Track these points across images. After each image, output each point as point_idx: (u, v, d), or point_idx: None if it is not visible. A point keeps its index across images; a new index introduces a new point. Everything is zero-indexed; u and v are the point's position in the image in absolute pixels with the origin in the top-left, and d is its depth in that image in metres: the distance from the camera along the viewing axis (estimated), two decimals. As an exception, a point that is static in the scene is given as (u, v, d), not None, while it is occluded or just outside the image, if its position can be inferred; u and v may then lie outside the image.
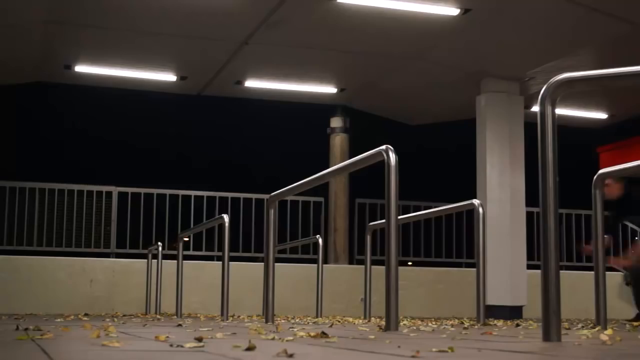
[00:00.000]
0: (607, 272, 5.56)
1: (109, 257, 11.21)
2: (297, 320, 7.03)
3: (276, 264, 6.64)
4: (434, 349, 2.67)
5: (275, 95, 12.15)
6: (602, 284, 5.21)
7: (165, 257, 10.14)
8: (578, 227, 12.84)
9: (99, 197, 11.46)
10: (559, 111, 4.07)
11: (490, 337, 3.81)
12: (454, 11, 8.62)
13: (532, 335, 3.94)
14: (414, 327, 5.04)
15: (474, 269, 6.84)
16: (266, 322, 6.09)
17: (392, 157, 4.61)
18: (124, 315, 8.60)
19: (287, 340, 3.14)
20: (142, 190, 11.64)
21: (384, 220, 4.71)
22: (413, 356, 2.38)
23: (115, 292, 10.70)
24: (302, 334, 3.70)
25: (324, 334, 3.48)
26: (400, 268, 6.57)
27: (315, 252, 9.96)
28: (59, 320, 6.35)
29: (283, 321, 6.71)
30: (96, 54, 10.34)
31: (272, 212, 6.38)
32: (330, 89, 11.62)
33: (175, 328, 4.65)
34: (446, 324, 6.09)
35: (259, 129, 21.82)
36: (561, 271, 3.24)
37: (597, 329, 4.91)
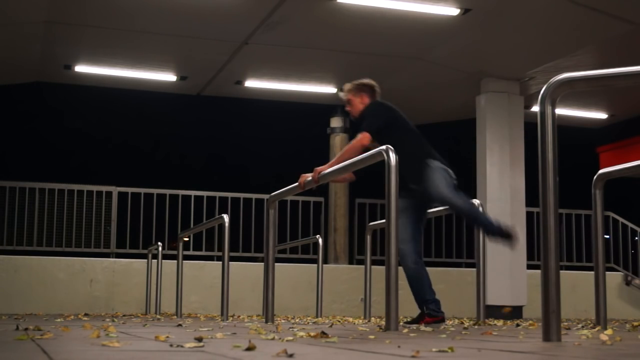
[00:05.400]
0: (607, 272, 5.56)
1: (109, 257, 11.21)
2: (297, 320, 7.03)
3: (276, 264, 6.64)
4: (434, 349, 2.67)
5: (275, 95, 12.14)
6: (602, 284, 5.21)
7: (165, 257, 10.14)
8: (578, 227, 12.84)
9: (99, 197, 11.45)
10: (559, 111, 4.07)
11: (490, 337, 3.81)
12: (454, 11, 8.62)
13: (532, 335, 3.94)
14: (414, 327, 5.04)
15: (474, 269, 6.85)
16: (266, 322, 6.09)
17: (392, 157, 4.61)
18: (124, 315, 8.61)
19: (287, 340, 3.15)
20: (142, 190, 11.64)
21: (384, 220, 4.71)
22: (413, 356, 2.38)
23: (115, 292, 10.70)
24: (302, 334, 3.70)
25: (324, 334, 3.48)
26: (400, 268, 6.57)
27: (315, 252, 9.95)
28: (59, 320, 6.35)
29: (283, 321, 6.71)
30: (96, 54, 10.34)
31: (272, 212, 6.38)
32: (330, 89, 11.62)
33: (175, 328, 4.65)
34: (446, 324, 6.09)
35: (259, 129, 21.83)
36: (561, 271, 3.24)
37: (597, 329, 4.91)
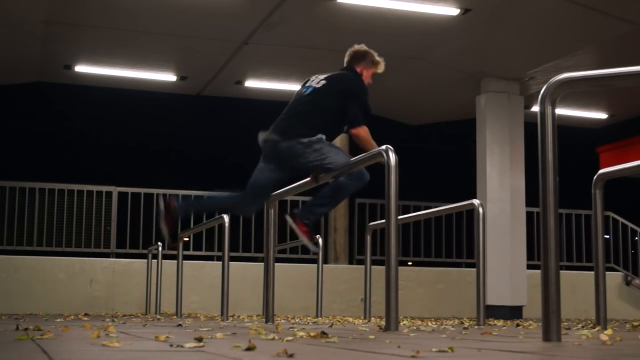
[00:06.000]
0: (607, 272, 5.56)
1: (109, 257, 11.21)
2: (297, 320, 7.03)
3: (276, 264, 6.64)
4: (434, 349, 2.67)
5: (275, 95, 12.13)
6: (602, 284, 5.21)
7: (165, 257, 10.14)
8: (578, 227, 12.84)
9: (99, 197, 11.45)
10: (559, 111, 4.07)
11: (490, 337, 3.81)
12: (454, 11, 8.62)
13: (532, 335, 3.94)
14: (414, 327, 5.04)
15: (474, 269, 6.84)
16: (266, 322, 6.09)
17: (392, 157, 4.61)
18: (124, 315, 8.61)
19: (287, 340, 3.14)
20: (142, 190, 11.64)
21: (384, 220, 4.71)
22: (413, 356, 2.38)
23: (115, 292, 10.70)
24: (302, 334, 3.70)
25: (324, 334, 3.48)
26: (400, 268, 6.57)
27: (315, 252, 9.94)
28: (59, 320, 6.35)
29: (283, 321, 6.71)
30: (96, 54, 10.34)
31: (272, 212, 6.37)
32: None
33: (175, 328, 4.65)
34: (446, 324, 6.09)
35: (259, 129, 21.78)
36: (561, 271, 3.23)
37: (597, 329, 4.91)
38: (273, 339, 3.26)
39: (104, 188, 11.52)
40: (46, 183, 11.36)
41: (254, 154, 6.20)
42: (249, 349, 2.60)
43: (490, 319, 8.07)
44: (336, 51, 10.15)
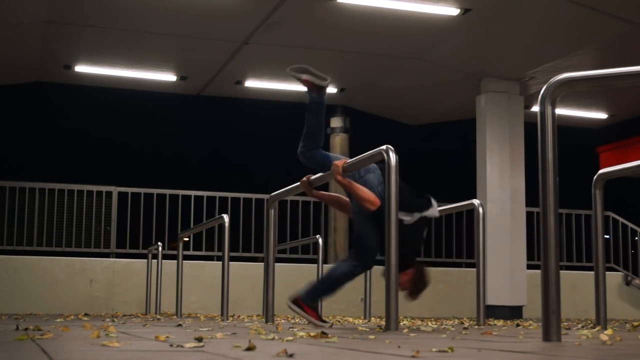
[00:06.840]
0: (607, 272, 5.57)
1: (109, 257, 11.21)
2: (297, 320, 7.03)
3: (276, 264, 6.64)
4: (434, 349, 2.67)
5: (275, 95, 12.14)
6: (602, 284, 5.22)
7: (165, 257, 10.14)
8: (578, 227, 12.84)
9: (99, 197, 11.45)
10: (559, 111, 4.07)
11: (490, 337, 3.81)
12: (454, 11, 8.62)
13: (532, 335, 3.94)
14: (414, 327, 5.04)
15: (474, 269, 6.85)
16: (266, 322, 6.09)
17: (392, 157, 4.62)
18: (124, 315, 8.61)
19: (287, 340, 3.15)
20: (142, 190, 11.64)
21: (384, 220, 4.71)
22: (413, 356, 2.38)
23: (115, 292, 10.70)
24: (302, 334, 3.71)
25: (324, 334, 3.48)
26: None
27: (315, 252, 9.95)
28: (59, 320, 6.35)
29: (283, 321, 6.71)
30: (96, 54, 10.34)
31: (272, 212, 6.38)
32: (330, 89, 11.62)
33: (175, 328, 4.65)
34: (446, 324, 6.09)
35: (258, 129, 21.85)
36: (561, 271, 3.24)
37: (597, 329, 4.91)
38: (273, 339, 3.26)
39: (104, 188, 11.52)
40: (46, 183, 11.35)
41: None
42: (249, 349, 2.60)
43: (490, 319, 8.07)
44: (336, 51, 10.19)
